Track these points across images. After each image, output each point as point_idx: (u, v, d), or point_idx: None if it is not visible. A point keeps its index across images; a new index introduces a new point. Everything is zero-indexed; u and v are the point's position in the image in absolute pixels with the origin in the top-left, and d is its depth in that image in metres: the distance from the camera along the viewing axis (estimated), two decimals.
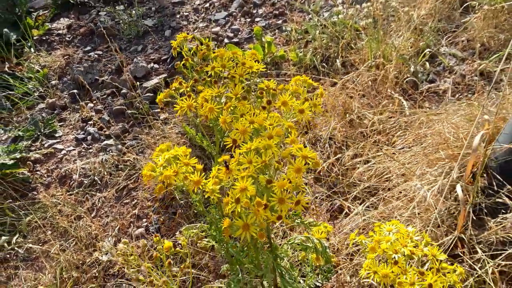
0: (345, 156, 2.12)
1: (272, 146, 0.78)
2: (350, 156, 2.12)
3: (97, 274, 2.07)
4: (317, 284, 1.23)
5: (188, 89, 1.00)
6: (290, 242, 1.10)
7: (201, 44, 1.06)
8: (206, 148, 1.06)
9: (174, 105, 1.00)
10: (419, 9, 2.83)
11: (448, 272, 0.87)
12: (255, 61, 0.98)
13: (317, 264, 1.21)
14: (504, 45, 2.71)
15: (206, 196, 0.82)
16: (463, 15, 3.02)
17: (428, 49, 2.70)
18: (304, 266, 1.28)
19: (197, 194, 0.91)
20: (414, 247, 0.87)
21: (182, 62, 1.04)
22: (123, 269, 2.09)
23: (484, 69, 2.56)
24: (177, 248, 1.06)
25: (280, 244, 1.11)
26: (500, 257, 1.53)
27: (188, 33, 1.19)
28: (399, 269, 0.83)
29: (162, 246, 1.03)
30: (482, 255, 1.53)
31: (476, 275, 1.51)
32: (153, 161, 0.91)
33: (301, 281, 1.28)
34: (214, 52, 1.03)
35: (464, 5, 2.96)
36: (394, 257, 0.85)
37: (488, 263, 1.49)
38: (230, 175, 0.76)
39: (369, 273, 0.85)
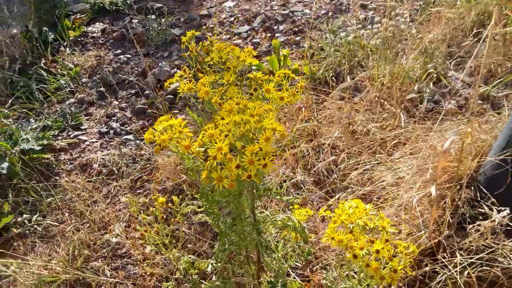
0: (344, 163, 2.25)
1: (250, 121, 0.94)
2: (349, 163, 2.25)
3: (106, 254, 2.24)
4: (297, 264, 1.37)
5: (190, 75, 1.19)
6: (272, 220, 1.25)
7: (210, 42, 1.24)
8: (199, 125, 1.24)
9: (177, 89, 1.19)
10: (430, 33, 2.96)
11: (406, 248, 1.01)
12: (252, 57, 1.16)
13: (297, 244, 1.35)
14: (511, 72, 2.81)
15: (192, 156, 0.99)
16: (474, 43, 3.14)
17: (435, 72, 2.83)
18: (286, 250, 1.42)
19: (189, 159, 1.09)
20: (369, 220, 1.01)
21: (187, 53, 1.23)
22: (130, 251, 2.26)
23: (488, 94, 2.67)
24: (169, 204, 1.23)
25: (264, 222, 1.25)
26: (477, 264, 1.63)
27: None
28: (353, 237, 0.97)
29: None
30: (461, 260, 1.63)
31: (451, 277, 1.61)
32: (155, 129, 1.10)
33: (284, 263, 1.41)
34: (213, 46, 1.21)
35: (476, 33, 3.09)
36: (350, 227, 1.00)
37: (467, 267, 1.60)
38: (212, 139, 0.93)
39: (328, 239, 1.00)
